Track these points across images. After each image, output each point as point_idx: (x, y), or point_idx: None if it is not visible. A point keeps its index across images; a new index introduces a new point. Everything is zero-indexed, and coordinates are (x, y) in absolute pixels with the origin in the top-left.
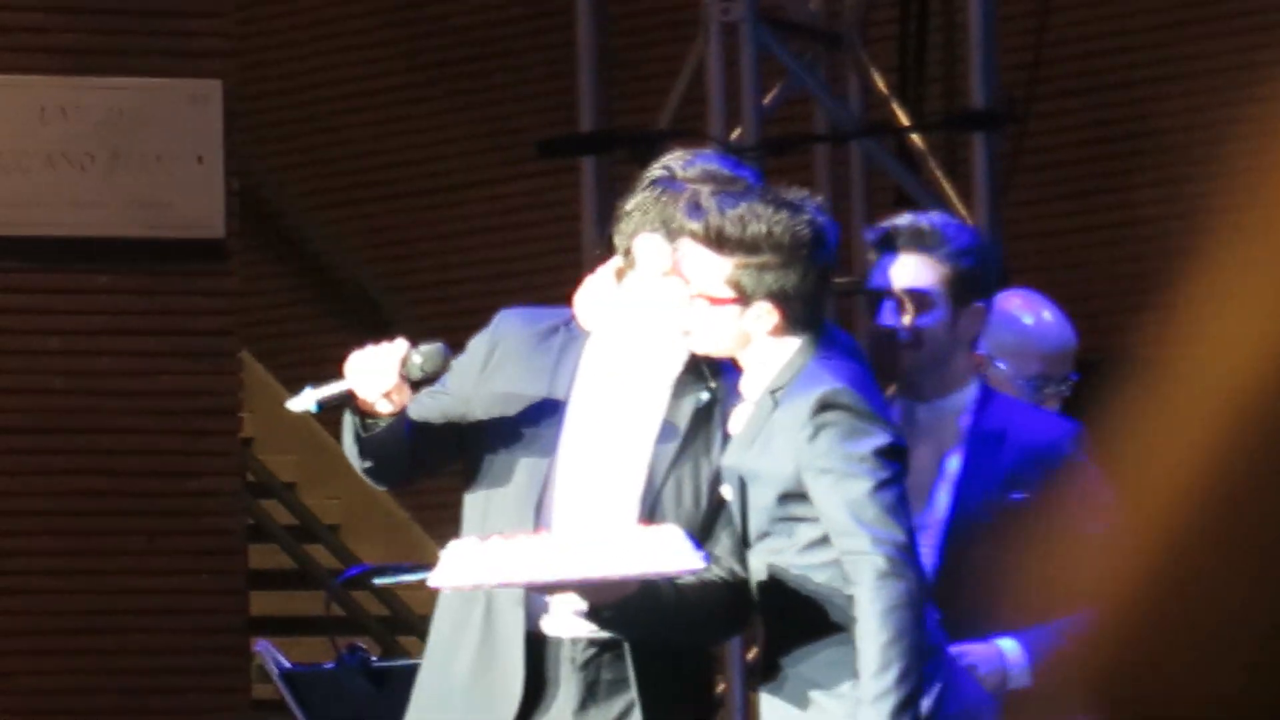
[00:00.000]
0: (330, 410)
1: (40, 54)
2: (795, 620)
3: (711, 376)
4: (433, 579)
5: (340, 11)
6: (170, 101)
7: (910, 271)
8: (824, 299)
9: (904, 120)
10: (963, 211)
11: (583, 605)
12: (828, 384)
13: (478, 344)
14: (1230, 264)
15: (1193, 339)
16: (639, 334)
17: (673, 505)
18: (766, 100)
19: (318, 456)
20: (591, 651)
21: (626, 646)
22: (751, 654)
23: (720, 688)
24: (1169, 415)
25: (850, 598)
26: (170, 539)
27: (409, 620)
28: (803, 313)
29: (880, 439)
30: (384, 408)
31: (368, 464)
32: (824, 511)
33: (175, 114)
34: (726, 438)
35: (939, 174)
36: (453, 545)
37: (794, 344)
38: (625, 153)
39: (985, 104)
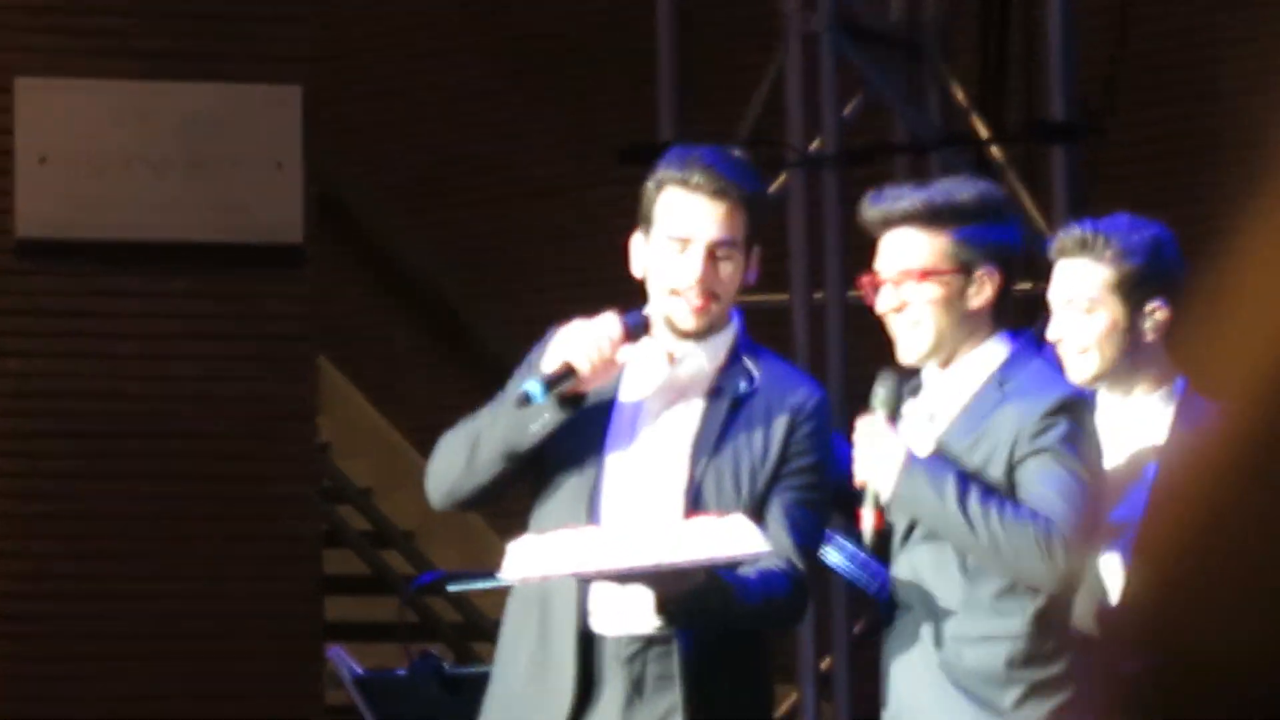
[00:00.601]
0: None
1: (119, 58)
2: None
3: (754, 366)
4: (502, 573)
5: (420, 19)
6: (249, 106)
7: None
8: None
9: (983, 131)
10: (1042, 224)
11: (648, 602)
12: (1066, 389)
13: (537, 359)
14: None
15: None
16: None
17: (714, 496)
18: (846, 110)
19: (394, 462)
20: (636, 647)
21: (675, 642)
22: (825, 664)
23: (793, 698)
24: (1224, 357)
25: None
26: (246, 544)
27: (483, 627)
28: (1013, 286)
29: (1091, 461)
30: (602, 377)
31: (506, 469)
32: (1025, 499)
33: (254, 119)
34: (770, 430)
35: (1018, 185)
36: (517, 540)
37: (1004, 343)
38: None
39: (1065, 115)
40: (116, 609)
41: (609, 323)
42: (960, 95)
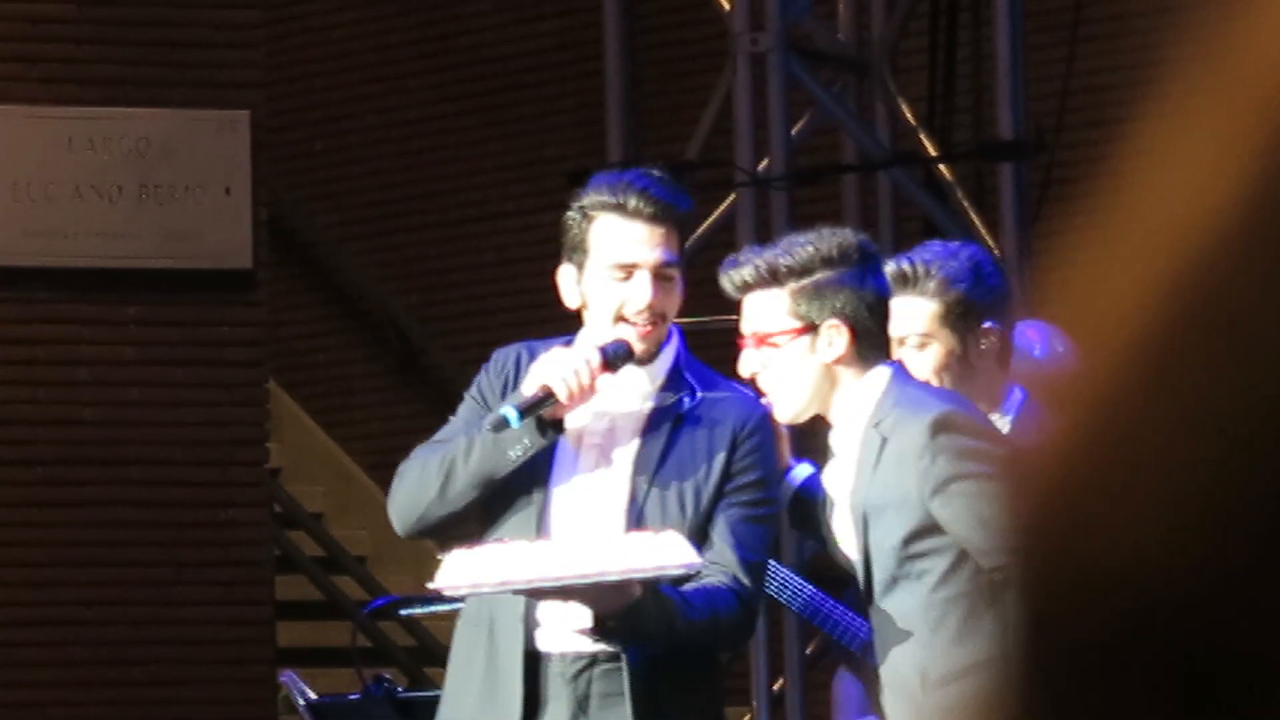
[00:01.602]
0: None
1: (69, 85)
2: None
3: (695, 383)
4: (434, 582)
5: (369, 43)
6: (198, 132)
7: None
8: (887, 323)
9: (932, 150)
10: (990, 242)
11: (588, 619)
12: (935, 407)
13: (486, 382)
14: (1179, 117)
15: (1139, 185)
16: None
17: (658, 515)
18: (795, 130)
19: (345, 487)
20: (581, 664)
21: (624, 658)
22: (778, 684)
23: (779, 683)
24: (1116, 261)
25: (996, 623)
26: (198, 569)
27: (436, 651)
28: (873, 330)
29: (998, 453)
30: (579, 404)
31: (478, 496)
32: (960, 533)
33: (203, 144)
34: (713, 447)
35: (967, 204)
36: (451, 553)
37: (880, 376)
38: None
39: (1013, 134)
40: (71, 635)
41: (589, 351)
42: (909, 114)
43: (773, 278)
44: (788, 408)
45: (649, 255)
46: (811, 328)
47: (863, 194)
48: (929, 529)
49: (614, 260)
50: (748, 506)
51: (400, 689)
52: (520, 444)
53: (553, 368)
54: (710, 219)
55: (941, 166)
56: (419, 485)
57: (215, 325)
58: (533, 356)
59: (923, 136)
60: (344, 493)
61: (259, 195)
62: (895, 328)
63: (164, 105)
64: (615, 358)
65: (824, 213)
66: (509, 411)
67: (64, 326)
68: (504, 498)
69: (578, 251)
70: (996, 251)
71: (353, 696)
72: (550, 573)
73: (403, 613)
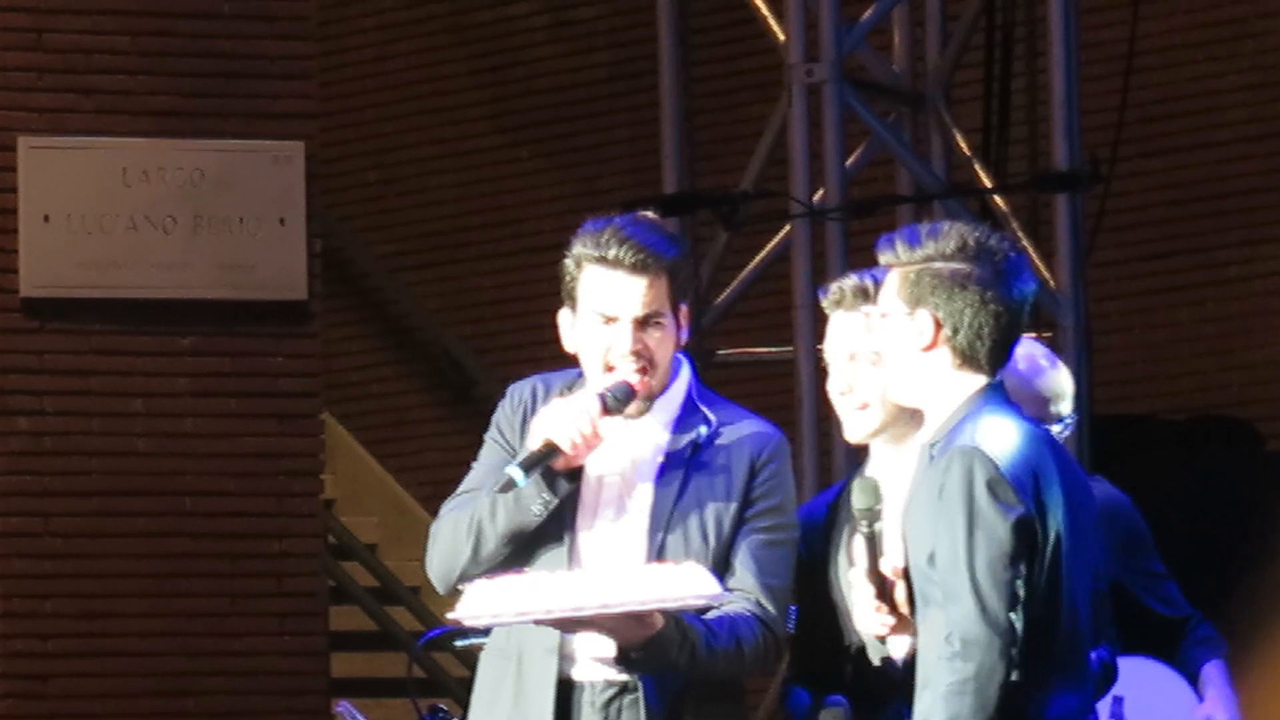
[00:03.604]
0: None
1: (124, 116)
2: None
3: (709, 413)
4: (454, 612)
5: (424, 74)
6: (253, 163)
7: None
8: (997, 340)
9: (987, 181)
10: (1045, 272)
11: (611, 649)
12: (971, 441)
13: (503, 419)
14: None
15: None
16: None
17: (680, 545)
18: (849, 161)
19: (399, 518)
20: (610, 693)
21: (640, 688)
22: None
23: None
24: None
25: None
26: (253, 600)
27: None
28: (966, 342)
29: (996, 513)
30: (585, 454)
31: (511, 550)
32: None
33: (258, 176)
34: (731, 476)
35: (1021, 235)
36: (473, 584)
37: (967, 390)
38: (709, 214)
39: (1068, 165)
40: (126, 667)
41: (588, 400)
42: (963, 145)
43: (898, 254)
44: (888, 389)
45: (629, 307)
46: (910, 313)
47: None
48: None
49: (597, 310)
50: (768, 532)
51: (455, 719)
52: (540, 500)
53: (554, 421)
54: (765, 250)
55: (996, 197)
56: (452, 549)
57: (270, 356)
58: (548, 389)
59: (977, 167)
60: (398, 524)
61: (313, 226)
62: (845, 343)
63: (218, 136)
64: (615, 401)
65: None
66: (515, 472)
67: (118, 358)
68: (532, 543)
69: (570, 299)
70: (1051, 282)
71: None
72: (569, 604)
73: (457, 644)
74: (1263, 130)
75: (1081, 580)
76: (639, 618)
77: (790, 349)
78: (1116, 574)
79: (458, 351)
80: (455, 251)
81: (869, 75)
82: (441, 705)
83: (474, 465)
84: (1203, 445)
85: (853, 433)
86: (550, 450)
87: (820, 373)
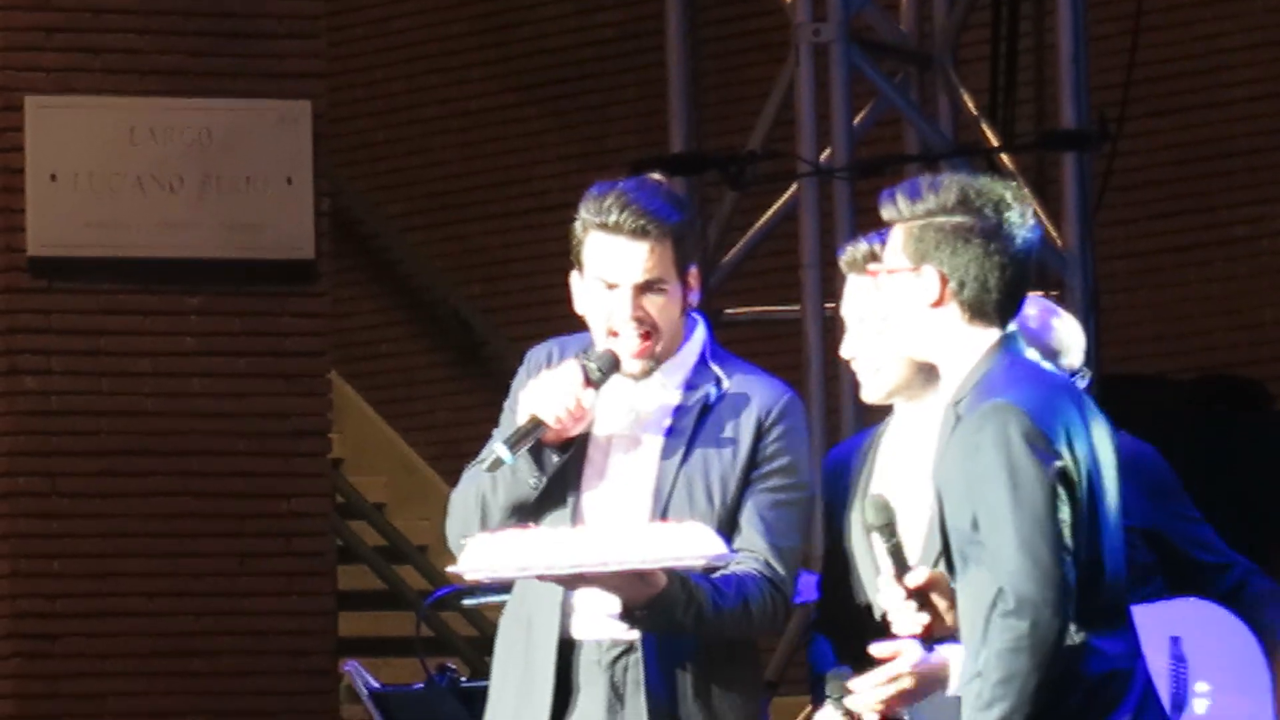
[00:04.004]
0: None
1: (131, 75)
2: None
3: (721, 373)
4: (455, 566)
5: (432, 33)
6: (260, 123)
7: None
8: (1005, 291)
9: (994, 141)
10: (1053, 232)
11: (616, 605)
12: (999, 396)
13: (520, 387)
14: None
15: None
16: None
17: (685, 505)
18: (856, 121)
19: (407, 478)
20: (616, 652)
21: (640, 647)
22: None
23: (808, 709)
24: None
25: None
26: (261, 560)
27: None
28: (973, 295)
29: (1036, 466)
30: (574, 427)
31: (518, 519)
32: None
33: (265, 135)
34: (739, 435)
35: (1029, 194)
36: (473, 539)
37: (983, 344)
38: (716, 174)
39: (1076, 124)
40: (133, 627)
41: (571, 372)
42: (971, 105)
43: (899, 210)
44: (895, 345)
45: (629, 274)
46: (915, 270)
47: None
48: None
49: (599, 276)
50: (777, 491)
51: (464, 679)
52: (535, 474)
53: (538, 396)
54: (772, 210)
55: (1004, 156)
56: (463, 522)
57: (277, 316)
58: (563, 352)
59: (985, 127)
60: (406, 483)
61: (321, 186)
62: (858, 306)
63: (226, 96)
64: (599, 373)
65: None
66: (502, 450)
67: (126, 317)
68: (538, 504)
69: (577, 262)
70: (1059, 241)
71: (416, 686)
72: (569, 560)
73: (465, 603)
74: (1270, 89)
75: (1114, 526)
76: (641, 576)
77: (797, 308)
78: (1152, 521)
79: (465, 311)
80: (463, 211)
81: (876, 35)
82: (450, 664)
83: (495, 433)
84: (1210, 405)
85: (869, 394)
86: (536, 425)
87: (828, 332)
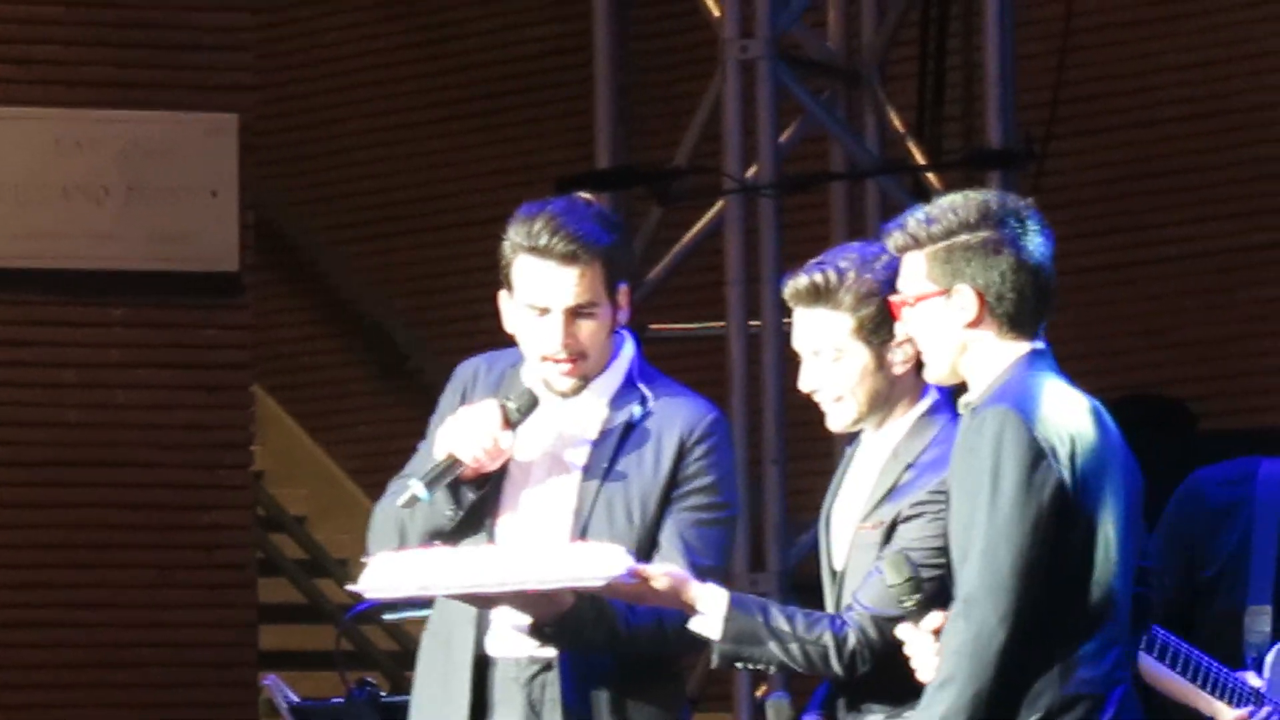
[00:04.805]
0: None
1: (58, 86)
2: None
3: (648, 392)
4: (356, 584)
5: (360, 47)
6: (187, 135)
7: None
8: (1038, 299)
9: (921, 159)
10: None
11: (525, 621)
12: (1005, 402)
13: (446, 402)
14: None
15: None
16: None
17: (605, 524)
18: (784, 137)
19: (329, 491)
20: (534, 669)
21: (555, 665)
22: (761, 690)
23: (762, 689)
24: None
25: None
26: (183, 572)
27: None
28: (1012, 307)
29: (1031, 472)
30: (490, 465)
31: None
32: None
33: (192, 147)
34: (660, 454)
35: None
36: (377, 556)
37: (1014, 355)
38: (643, 189)
39: (1003, 143)
40: (62, 638)
41: (490, 412)
42: (898, 122)
43: (915, 240)
44: (929, 372)
45: (560, 298)
46: (945, 292)
47: (851, 202)
48: None
49: (529, 300)
50: (699, 510)
51: (383, 693)
52: (453, 507)
53: (456, 435)
54: (698, 226)
55: (930, 175)
56: (382, 542)
57: (202, 328)
58: (490, 368)
59: (911, 145)
60: (327, 496)
61: (247, 198)
62: (809, 340)
63: (153, 107)
64: (518, 414)
65: (812, 220)
66: (418, 487)
67: (51, 328)
68: (459, 524)
69: (506, 282)
70: None
71: (336, 700)
72: (469, 581)
73: (386, 617)
74: (1198, 109)
75: (1121, 552)
76: (547, 595)
77: (722, 325)
78: None
79: (391, 325)
80: (389, 225)
81: (804, 52)
82: (369, 679)
83: (419, 447)
84: (1136, 424)
85: (834, 424)
86: (452, 463)
87: (752, 349)
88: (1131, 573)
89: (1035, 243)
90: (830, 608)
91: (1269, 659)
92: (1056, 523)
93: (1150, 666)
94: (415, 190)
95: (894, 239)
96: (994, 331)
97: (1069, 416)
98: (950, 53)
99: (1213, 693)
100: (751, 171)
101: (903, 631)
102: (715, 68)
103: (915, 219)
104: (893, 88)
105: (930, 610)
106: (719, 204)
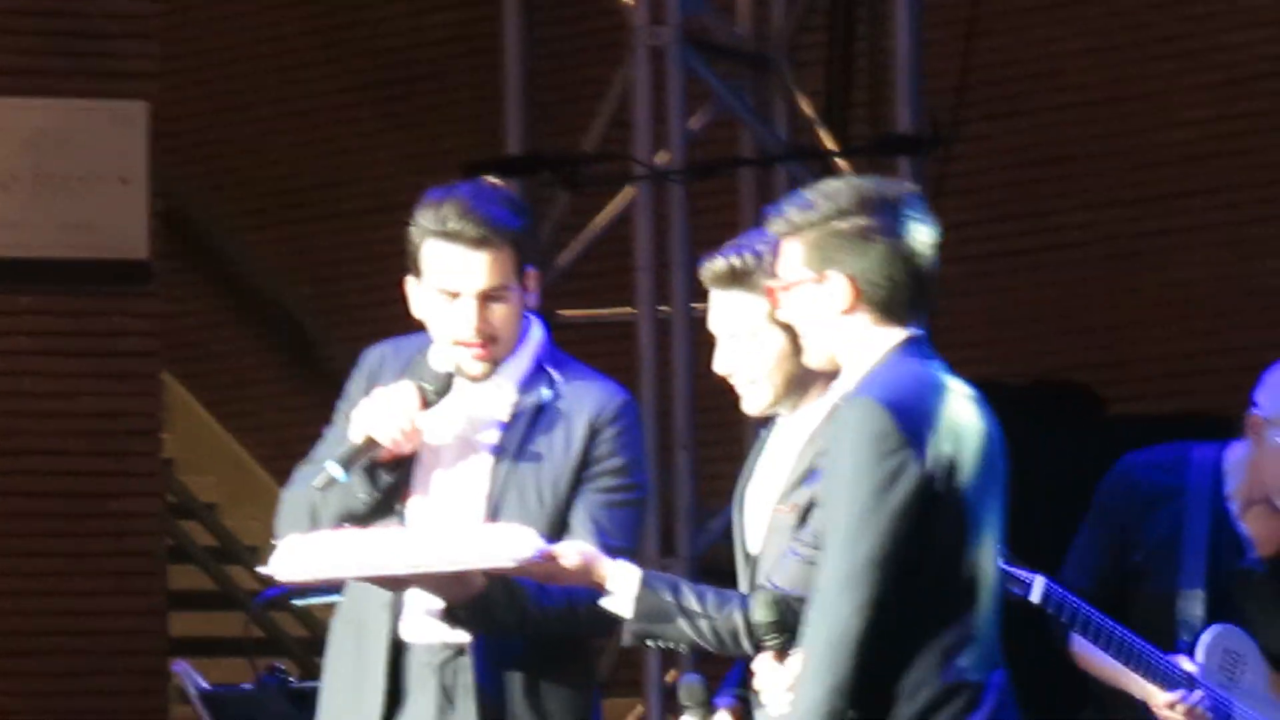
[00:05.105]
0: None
1: None
2: None
3: (557, 375)
4: (266, 567)
5: (266, 33)
6: (94, 122)
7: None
8: (915, 288)
9: (830, 144)
10: None
11: (438, 606)
12: (867, 392)
13: (354, 388)
14: None
15: None
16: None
17: (516, 507)
18: (693, 123)
19: (238, 478)
20: (447, 654)
21: (468, 649)
22: (671, 675)
23: (638, 710)
24: None
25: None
26: (92, 559)
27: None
28: (885, 295)
29: (889, 462)
30: (408, 447)
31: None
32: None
33: (99, 135)
34: (570, 436)
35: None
36: (288, 539)
37: (887, 344)
38: (551, 175)
39: (911, 128)
40: None
41: (406, 393)
42: (807, 108)
43: (790, 228)
44: (807, 357)
45: (472, 283)
46: (819, 279)
47: (760, 188)
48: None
49: (439, 285)
50: (610, 492)
51: (293, 679)
52: (368, 490)
53: (373, 415)
54: (607, 212)
55: (839, 160)
56: (292, 525)
57: (110, 315)
58: (397, 354)
59: (820, 131)
60: (237, 483)
61: (155, 186)
62: (725, 323)
63: (60, 95)
64: (434, 395)
65: (721, 205)
66: (334, 469)
67: None
68: (370, 509)
69: (415, 268)
70: None
71: (246, 687)
72: (380, 563)
73: (296, 603)
74: (1104, 94)
75: (989, 537)
76: (458, 577)
77: (632, 310)
78: None
79: (298, 312)
80: (297, 211)
81: (713, 37)
82: (279, 665)
83: (325, 433)
84: (1042, 409)
85: (750, 406)
86: (369, 445)
87: (661, 334)
88: (998, 559)
89: (913, 231)
90: (745, 590)
91: (1203, 642)
92: (919, 512)
93: (1083, 649)
94: (322, 176)
95: (775, 224)
96: (868, 319)
97: (938, 404)
98: (859, 38)
99: (1145, 675)
100: (661, 157)
101: (758, 664)
102: (623, 53)
103: (794, 205)
104: (802, 73)
105: (793, 650)
106: (627, 190)
